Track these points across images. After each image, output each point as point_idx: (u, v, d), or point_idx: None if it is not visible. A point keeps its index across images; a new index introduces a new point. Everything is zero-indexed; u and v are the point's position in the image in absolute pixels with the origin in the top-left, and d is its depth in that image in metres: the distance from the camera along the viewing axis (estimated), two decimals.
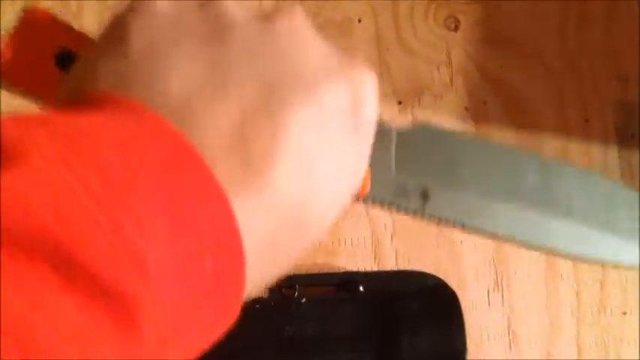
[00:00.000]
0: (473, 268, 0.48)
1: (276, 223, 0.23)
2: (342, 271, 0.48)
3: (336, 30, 0.59)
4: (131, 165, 0.19)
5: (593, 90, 0.55)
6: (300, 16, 0.26)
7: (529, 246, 0.45)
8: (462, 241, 0.49)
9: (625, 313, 0.46)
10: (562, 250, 0.43)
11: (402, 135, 0.42)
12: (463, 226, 0.44)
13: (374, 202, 0.44)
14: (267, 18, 0.26)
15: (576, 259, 0.44)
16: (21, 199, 0.16)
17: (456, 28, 0.58)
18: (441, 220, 0.43)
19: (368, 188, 0.37)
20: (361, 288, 0.44)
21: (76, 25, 0.59)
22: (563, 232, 0.42)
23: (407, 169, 0.42)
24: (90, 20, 0.61)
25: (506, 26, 0.58)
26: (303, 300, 0.43)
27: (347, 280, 0.45)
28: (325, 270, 0.48)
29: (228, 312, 0.21)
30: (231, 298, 0.21)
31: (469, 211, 0.41)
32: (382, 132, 0.34)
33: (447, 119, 0.55)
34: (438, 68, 0.57)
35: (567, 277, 0.48)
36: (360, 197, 0.37)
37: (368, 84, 0.27)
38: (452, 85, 0.56)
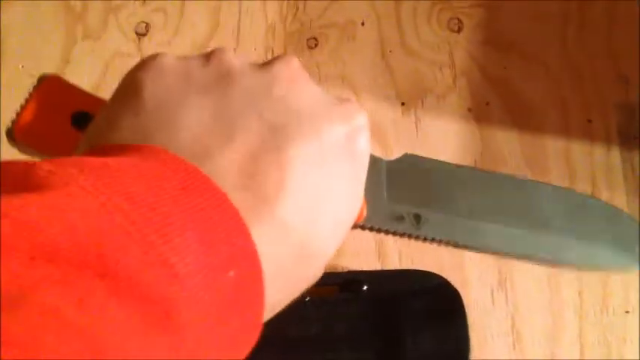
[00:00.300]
0: (476, 268, 0.48)
1: (284, 252, 0.26)
2: (345, 270, 0.48)
3: (339, 33, 0.59)
4: (154, 191, 0.21)
5: (594, 91, 0.56)
6: (296, 63, 0.30)
7: (517, 257, 0.46)
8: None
9: (628, 312, 0.46)
10: (544, 259, 0.45)
11: (392, 165, 0.45)
12: (456, 245, 0.46)
13: (371, 228, 0.45)
14: (265, 66, 0.30)
15: (559, 266, 0.46)
16: (65, 218, 0.18)
17: (459, 30, 0.59)
18: (434, 241, 0.45)
19: (364, 215, 0.40)
20: (365, 287, 0.45)
21: (80, 26, 0.59)
22: (543, 242, 0.44)
23: (399, 197, 0.43)
24: (95, 20, 0.61)
25: (509, 28, 0.59)
26: (307, 299, 0.43)
27: (350, 280, 0.45)
28: (329, 270, 0.48)
29: (251, 327, 0.23)
30: (253, 311, 0.23)
31: (460, 231, 0.43)
32: (373, 164, 0.37)
33: (450, 120, 0.55)
34: (441, 70, 0.57)
35: (570, 276, 0.48)
36: (357, 224, 0.39)
37: (360, 119, 0.32)
38: (455, 87, 0.57)
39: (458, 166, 0.49)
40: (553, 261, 0.47)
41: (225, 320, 0.21)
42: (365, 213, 0.40)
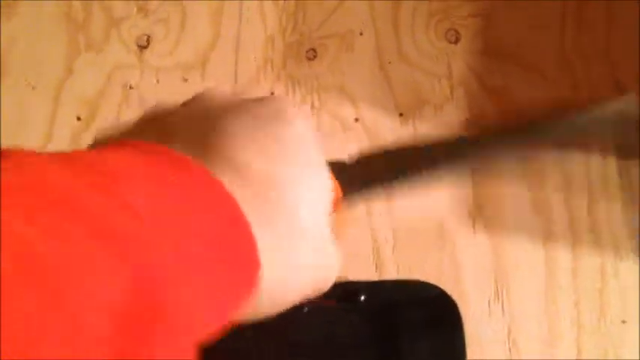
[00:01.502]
0: (473, 279, 0.49)
1: (290, 261, 0.27)
2: (343, 280, 0.48)
3: (338, 43, 0.60)
4: (158, 202, 0.22)
5: (591, 99, 0.56)
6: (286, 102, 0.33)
7: None
8: (463, 252, 0.50)
9: (624, 322, 0.46)
10: None
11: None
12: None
13: (357, 198, 0.44)
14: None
15: None
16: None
17: (457, 41, 0.59)
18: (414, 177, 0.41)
19: (340, 194, 0.39)
20: (362, 298, 0.45)
21: (82, 38, 0.60)
22: None
23: (366, 164, 0.42)
24: (97, 32, 0.62)
25: (506, 38, 0.59)
26: (305, 309, 0.44)
27: (348, 290, 0.45)
28: None
29: (242, 282, 0.24)
30: (244, 269, 0.24)
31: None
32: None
33: (447, 131, 0.56)
34: (439, 80, 0.58)
35: (567, 286, 0.48)
36: (339, 205, 0.39)
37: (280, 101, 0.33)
38: (452, 97, 0.57)
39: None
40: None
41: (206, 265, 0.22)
42: (340, 191, 0.39)
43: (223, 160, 0.26)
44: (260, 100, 0.32)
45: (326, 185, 0.31)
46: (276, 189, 0.27)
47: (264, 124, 0.29)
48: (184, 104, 0.32)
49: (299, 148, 0.30)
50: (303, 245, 0.28)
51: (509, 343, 0.47)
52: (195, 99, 0.32)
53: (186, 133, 0.28)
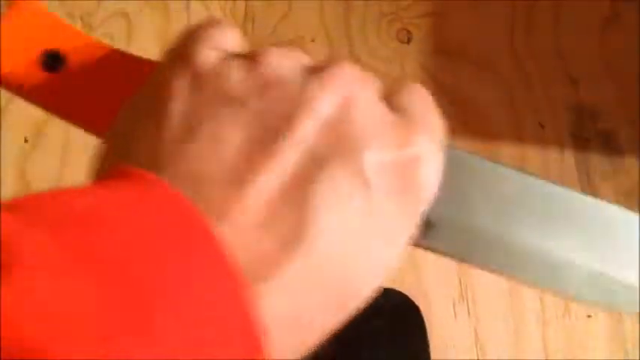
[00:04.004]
0: (437, 281, 0.48)
1: (313, 299, 0.22)
2: None
3: None
4: (132, 251, 0.19)
5: (545, 95, 0.56)
6: (351, 73, 0.24)
7: (543, 287, 0.39)
8: (422, 253, 0.49)
9: (589, 317, 0.46)
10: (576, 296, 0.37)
11: None
12: (470, 262, 0.39)
13: None
14: (316, 77, 0.23)
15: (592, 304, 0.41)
16: (8, 316, 0.16)
17: (409, 41, 0.59)
18: (441, 253, 0.37)
19: None
20: None
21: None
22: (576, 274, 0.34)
23: None
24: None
25: (457, 36, 0.59)
26: None
27: None
28: None
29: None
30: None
31: (477, 245, 0.35)
32: None
33: None
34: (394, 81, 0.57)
35: None
36: None
37: (425, 145, 0.24)
38: None
39: (489, 162, 0.39)
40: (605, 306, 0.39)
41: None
42: None
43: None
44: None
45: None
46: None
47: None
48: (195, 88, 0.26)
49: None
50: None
51: (476, 346, 0.47)
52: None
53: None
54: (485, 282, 0.49)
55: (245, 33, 0.59)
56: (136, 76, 0.27)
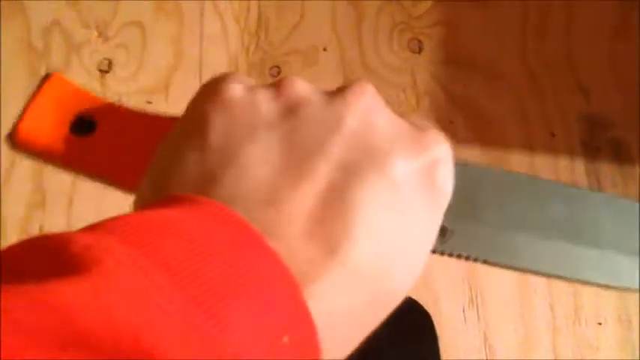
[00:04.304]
0: (447, 287, 0.48)
1: (357, 301, 0.24)
2: None
3: (301, 59, 0.59)
4: (198, 255, 0.20)
5: (555, 104, 0.56)
6: (370, 92, 0.27)
7: (556, 277, 0.44)
8: (433, 260, 0.49)
9: (600, 324, 0.46)
10: (591, 280, 0.42)
11: None
12: (485, 261, 0.43)
13: None
14: (337, 97, 0.26)
15: (608, 287, 0.44)
16: (101, 303, 0.17)
17: (420, 51, 0.59)
18: (461, 257, 0.42)
19: None
20: None
21: (43, 66, 0.59)
22: (590, 261, 0.40)
23: None
24: (58, 59, 0.61)
25: (468, 46, 0.59)
26: None
27: None
28: None
29: None
30: None
31: (492, 246, 0.40)
32: None
33: None
34: (404, 91, 0.58)
35: (541, 290, 0.48)
36: None
37: (438, 150, 0.27)
38: (418, 107, 0.57)
39: (490, 169, 0.45)
40: (608, 283, 0.44)
41: None
42: None
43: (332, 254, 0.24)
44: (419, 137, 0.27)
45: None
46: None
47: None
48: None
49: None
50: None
51: (485, 350, 0.47)
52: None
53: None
54: (495, 288, 0.49)
55: (258, 41, 0.60)
56: (160, 132, 0.29)
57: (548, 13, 0.60)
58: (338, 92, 0.27)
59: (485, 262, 0.41)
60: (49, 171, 0.56)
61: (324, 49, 0.60)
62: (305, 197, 0.24)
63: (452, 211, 0.32)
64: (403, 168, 0.26)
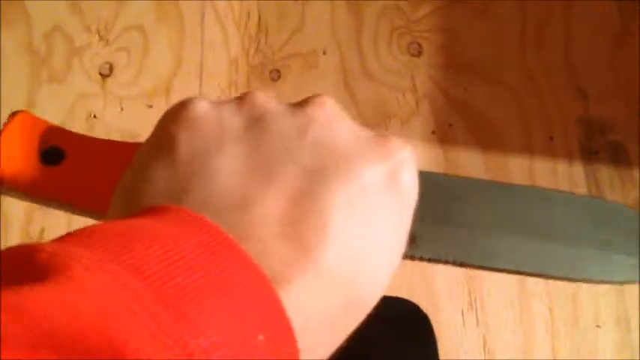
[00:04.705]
0: (446, 290, 0.48)
1: (331, 301, 0.24)
2: None
3: (301, 63, 0.60)
4: (169, 259, 0.20)
5: (554, 108, 0.56)
6: (330, 103, 0.29)
7: (530, 274, 0.45)
8: (434, 264, 0.50)
9: (598, 326, 0.46)
10: (559, 275, 0.44)
11: None
12: (460, 264, 0.45)
13: None
14: (299, 108, 0.28)
15: (578, 281, 0.45)
16: (68, 304, 0.17)
17: (419, 54, 0.59)
18: (432, 260, 0.44)
19: None
20: None
21: (45, 70, 0.60)
22: (559, 257, 0.42)
23: None
24: (59, 63, 0.62)
25: (468, 50, 0.59)
26: None
27: None
28: None
29: None
30: None
31: (462, 248, 0.42)
32: None
33: (414, 143, 0.56)
34: (404, 94, 0.58)
35: (540, 293, 0.48)
36: None
37: (401, 153, 0.29)
38: (418, 110, 0.57)
39: (454, 177, 0.48)
40: (571, 277, 0.46)
41: None
42: None
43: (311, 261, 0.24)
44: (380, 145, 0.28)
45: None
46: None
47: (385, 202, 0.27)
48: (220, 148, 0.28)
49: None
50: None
51: (484, 353, 0.47)
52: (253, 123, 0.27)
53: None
54: (494, 292, 0.49)
55: (258, 45, 0.60)
56: (128, 158, 0.30)
57: (548, 18, 0.60)
58: (300, 104, 0.29)
59: (462, 265, 0.42)
60: None
61: (324, 53, 0.60)
62: (275, 201, 0.24)
63: (419, 217, 0.34)
64: (369, 173, 0.26)
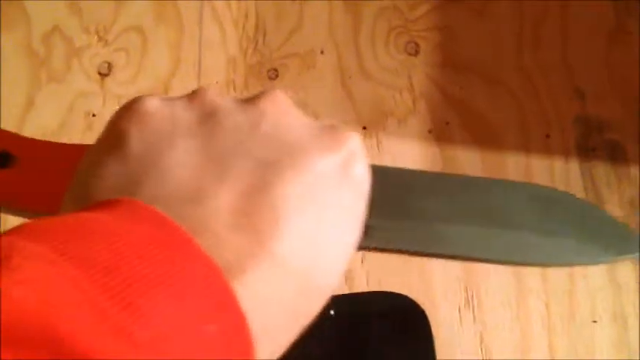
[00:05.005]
0: (443, 287, 0.49)
1: (286, 291, 0.24)
2: None
3: (299, 62, 0.60)
4: (116, 250, 0.20)
5: (552, 107, 0.57)
6: (281, 96, 0.29)
7: (480, 260, 0.46)
8: (431, 260, 0.50)
9: (595, 322, 0.46)
10: (505, 259, 0.44)
11: None
12: (414, 253, 0.45)
13: None
14: (250, 102, 0.28)
15: (527, 265, 0.45)
16: (9, 295, 0.17)
17: (416, 53, 0.60)
18: (386, 250, 0.44)
19: None
20: (332, 312, 0.45)
21: (44, 71, 0.60)
22: (507, 242, 0.43)
23: None
24: (59, 64, 0.62)
25: (465, 49, 0.60)
26: None
27: None
28: None
29: None
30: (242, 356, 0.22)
31: (413, 237, 0.42)
32: None
33: (411, 143, 0.56)
34: (401, 93, 0.58)
35: (536, 289, 0.49)
36: None
37: (352, 144, 0.30)
38: (415, 109, 0.57)
39: (405, 170, 0.48)
40: (519, 261, 0.47)
41: None
42: None
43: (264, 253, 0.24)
44: (327, 134, 0.29)
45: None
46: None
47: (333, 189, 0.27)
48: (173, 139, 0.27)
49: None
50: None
51: (481, 351, 0.47)
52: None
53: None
54: (490, 289, 0.49)
55: (256, 45, 0.61)
56: (75, 160, 0.30)
57: (544, 17, 0.61)
58: (251, 99, 0.30)
59: (413, 253, 0.44)
60: None
61: (322, 52, 0.60)
62: (228, 192, 0.25)
63: (371, 210, 0.35)
64: (321, 164, 0.28)
